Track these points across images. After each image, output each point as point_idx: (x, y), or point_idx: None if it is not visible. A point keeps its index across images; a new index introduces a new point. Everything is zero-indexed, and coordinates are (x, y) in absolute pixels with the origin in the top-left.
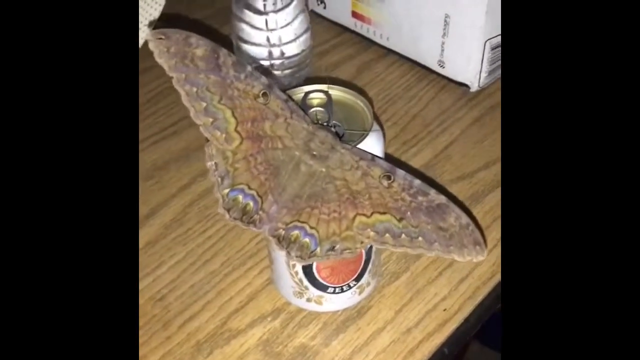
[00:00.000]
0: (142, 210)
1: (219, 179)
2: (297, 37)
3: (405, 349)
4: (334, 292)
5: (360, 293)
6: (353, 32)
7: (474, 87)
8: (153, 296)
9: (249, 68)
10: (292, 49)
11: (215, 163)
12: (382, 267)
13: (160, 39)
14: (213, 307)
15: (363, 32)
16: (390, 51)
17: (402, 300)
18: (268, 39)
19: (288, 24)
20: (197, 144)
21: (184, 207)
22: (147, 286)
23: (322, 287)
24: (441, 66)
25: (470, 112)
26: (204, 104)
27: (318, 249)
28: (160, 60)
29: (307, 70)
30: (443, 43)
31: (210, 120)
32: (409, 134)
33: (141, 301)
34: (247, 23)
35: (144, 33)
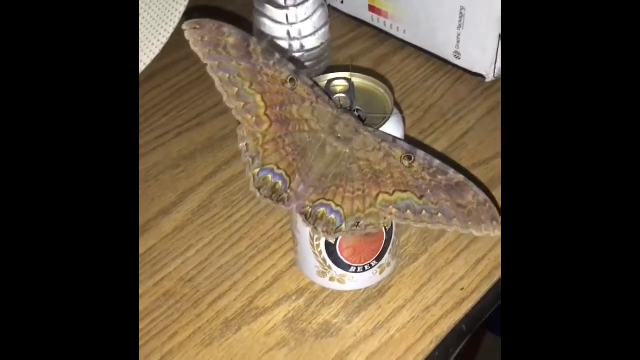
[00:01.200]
0: (170, 197)
1: (250, 160)
2: (317, 31)
3: (424, 326)
4: (356, 272)
5: (381, 273)
6: (370, 25)
7: (489, 78)
8: (183, 277)
9: (277, 55)
10: (311, 42)
11: (246, 144)
12: (402, 249)
13: (195, 28)
14: (240, 287)
15: (380, 25)
16: (406, 44)
17: (421, 280)
18: (288, 33)
19: (308, 17)
20: (220, 134)
21: (210, 194)
22: (177, 268)
23: (345, 267)
24: (457, 57)
25: (485, 101)
26: (236, 89)
27: (343, 225)
28: (195, 48)
29: (325, 63)
30: (459, 35)
31: (242, 104)
32: (425, 123)
33: (171, 282)
34: (269, 17)
35: (167, 31)
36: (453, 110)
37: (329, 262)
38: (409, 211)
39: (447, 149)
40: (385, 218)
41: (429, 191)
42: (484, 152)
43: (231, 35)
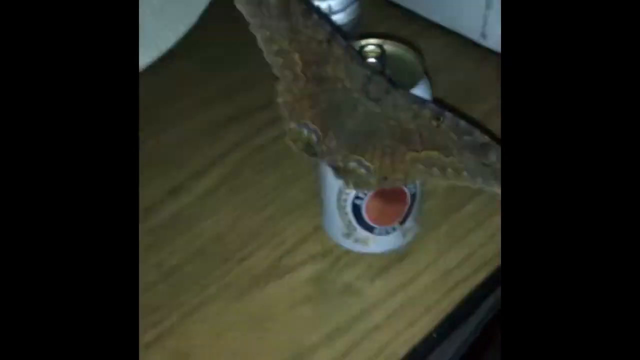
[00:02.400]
0: (203, 161)
1: (287, 114)
2: (347, 7)
3: (445, 288)
4: (380, 234)
5: (404, 236)
6: (396, 5)
7: None
8: (213, 236)
9: (316, 16)
10: (341, 18)
11: (284, 100)
12: (425, 216)
13: None
14: (268, 247)
15: (406, 4)
16: (432, 24)
17: (443, 246)
18: (319, 9)
19: None
20: (252, 105)
21: (241, 159)
22: (208, 227)
23: (369, 228)
24: (483, 37)
25: None
26: (276, 47)
27: (372, 179)
28: (240, 6)
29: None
30: (486, 16)
31: (281, 61)
32: (450, 102)
33: (202, 240)
34: None
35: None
36: (478, 90)
37: (354, 223)
38: (435, 168)
39: None
40: (412, 174)
41: (455, 150)
42: None
43: None
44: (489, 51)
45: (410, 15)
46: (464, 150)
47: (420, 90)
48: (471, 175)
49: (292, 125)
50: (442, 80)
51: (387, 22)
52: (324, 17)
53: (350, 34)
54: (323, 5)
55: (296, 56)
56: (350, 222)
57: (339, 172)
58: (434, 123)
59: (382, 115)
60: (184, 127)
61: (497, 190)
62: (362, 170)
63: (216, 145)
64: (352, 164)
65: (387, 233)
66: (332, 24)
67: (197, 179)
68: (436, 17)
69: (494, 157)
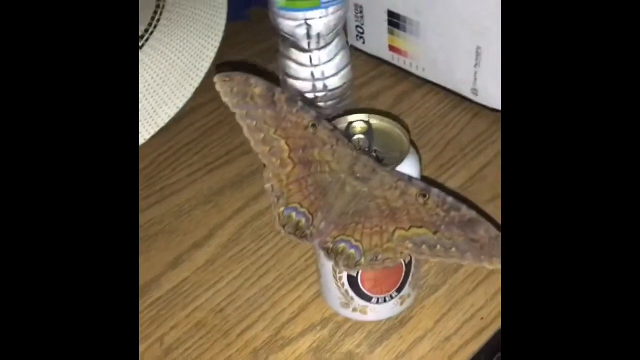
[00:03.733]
0: (202, 231)
1: (275, 199)
2: (339, 71)
3: (444, 355)
4: (377, 302)
5: (401, 303)
6: (390, 64)
7: None
8: (213, 308)
9: (300, 103)
10: (334, 82)
11: (271, 185)
12: (422, 280)
13: (225, 80)
14: (267, 318)
15: (400, 64)
16: (425, 81)
17: (441, 310)
18: (312, 74)
19: (330, 59)
20: (249, 170)
21: (239, 228)
22: (208, 299)
23: (367, 298)
24: (474, 94)
25: None
26: (262, 135)
27: (362, 259)
28: (225, 99)
29: (347, 101)
30: (475, 72)
31: (267, 148)
32: (445, 157)
33: (202, 313)
34: (293, 60)
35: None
36: (472, 144)
37: (351, 293)
38: (424, 246)
39: (467, 181)
40: (401, 252)
41: (442, 227)
42: None
43: (257, 85)
44: (482, 106)
45: (403, 73)
46: (451, 227)
47: (407, 166)
48: (460, 251)
49: (281, 209)
50: (436, 136)
51: (380, 81)
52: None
53: (335, 113)
54: (316, 72)
55: (282, 142)
56: (347, 292)
57: (329, 253)
58: (421, 200)
59: (370, 194)
60: (181, 196)
61: (488, 265)
62: (352, 251)
63: (215, 213)
64: (342, 245)
65: (385, 301)
66: (316, 106)
67: (198, 249)
68: (428, 74)
69: (482, 231)
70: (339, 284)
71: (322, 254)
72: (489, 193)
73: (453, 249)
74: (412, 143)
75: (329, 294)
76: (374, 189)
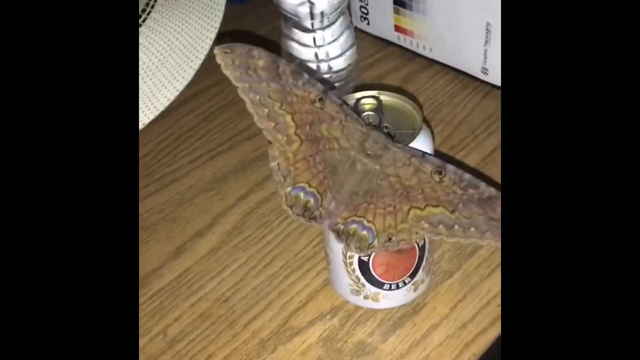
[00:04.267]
0: (205, 219)
1: (282, 178)
2: (344, 52)
3: (461, 343)
4: (389, 289)
5: (415, 290)
6: (396, 45)
7: None
8: (218, 298)
9: (306, 76)
10: (339, 64)
11: (278, 164)
12: (435, 265)
13: (226, 52)
14: (275, 307)
15: (406, 44)
16: (433, 62)
17: (457, 297)
18: (316, 55)
19: (334, 40)
20: (252, 156)
21: (243, 216)
22: (212, 289)
23: (379, 284)
24: (485, 73)
25: None
26: (267, 110)
27: (376, 241)
28: (227, 72)
29: (353, 84)
30: (486, 51)
31: (272, 124)
32: (455, 139)
33: (207, 303)
34: (296, 41)
35: (198, 57)
36: (483, 125)
37: (363, 280)
38: (441, 226)
39: (479, 164)
40: (417, 233)
41: (460, 205)
42: None
43: (261, 57)
44: (492, 86)
45: (410, 54)
46: (469, 205)
47: (421, 142)
48: (479, 231)
49: (288, 189)
50: (446, 118)
51: (385, 63)
52: (316, 75)
53: (344, 88)
54: (320, 53)
55: (288, 118)
56: (358, 278)
57: (340, 235)
58: (436, 177)
59: (382, 172)
60: (183, 183)
61: None
62: (364, 233)
63: (218, 200)
64: (353, 226)
65: (398, 288)
66: (324, 82)
67: (201, 237)
68: (436, 55)
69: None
70: (349, 270)
71: (332, 237)
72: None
73: (472, 228)
74: (424, 120)
75: (339, 281)
76: (386, 167)
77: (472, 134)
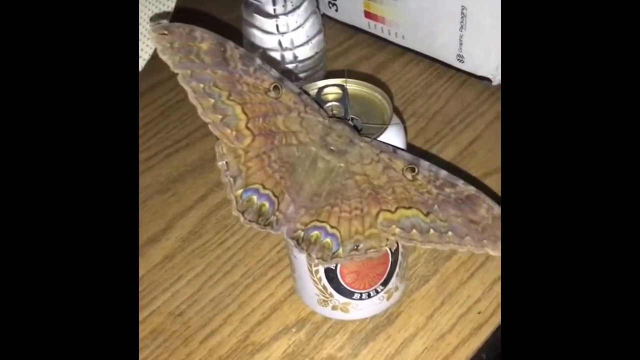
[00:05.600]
0: (160, 224)
1: (231, 179)
2: (310, 40)
3: (439, 356)
4: (360, 299)
5: (388, 298)
6: (367, 32)
7: (496, 81)
8: (172, 312)
9: (258, 61)
10: (305, 52)
11: (226, 162)
12: (410, 270)
13: (163, 34)
14: (235, 321)
15: (377, 32)
16: (406, 49)
17: (434, 304)
18: (280, 43)
19: (299, 26)
20: (211, 154)
21: (201, 219)
22: (166, 301)
23: (348, 294)
24: (460, 61)
25: (493, 106)
26: (212, 101)
27: (340, 249)
28: (164, 56)
29: (321, 74)
30: (461, 36)
31: (219, 117)
32: (430, 132)
33: (160, 317)
34: (258, 28)
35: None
36: (459, 116)
37: (330, 289)
38: (414, 230)
39: (455, 158)
40: (387, 240)
41: (436, 206)
42: (495, 160)
43: (204, 40)
44: (468, 74)
45: (382, 42)
46: (446, 206)
47: (391, 136)
48: (458, 236)
49: (239, 192)
50: (420, 109)
51: (356, 51)
52: (278, 67)
53: (310, 79)
54: (284, 40)
55: (238, 109)
56: (325, 288)
57: (300, 243)
58: (409, 175)
59: (347, 170)
60: (139, 183)
61: (491, 252)
62: (328, 240)
63: (174, 202)
64: (315, 233)
65: (369, 297)
66: (287, 73)
67: (155, 243)
68: (408, 42)
69: (483, 211)
70: (315, 279)
71: (292, 244)
72: (480, 170)
73: (449, 233)
74: (395, 111)
75: (305, 291)
76: (352, 164)
77: (448, 126)
